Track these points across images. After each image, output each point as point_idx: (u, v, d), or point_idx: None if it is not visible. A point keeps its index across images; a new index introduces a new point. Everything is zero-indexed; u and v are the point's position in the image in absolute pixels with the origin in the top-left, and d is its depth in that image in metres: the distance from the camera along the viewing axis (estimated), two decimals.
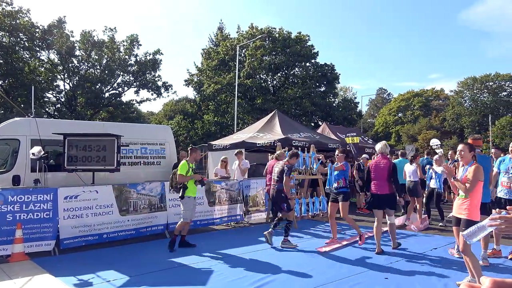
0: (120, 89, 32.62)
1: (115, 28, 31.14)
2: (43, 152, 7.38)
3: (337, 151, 7.40)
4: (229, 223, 9.08)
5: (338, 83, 35.10)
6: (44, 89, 28.94)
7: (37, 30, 27.46)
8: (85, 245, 6.59)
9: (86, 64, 30.71)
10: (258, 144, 12.13)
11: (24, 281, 4.80)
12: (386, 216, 6.61)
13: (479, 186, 4.54)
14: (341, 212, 6.90)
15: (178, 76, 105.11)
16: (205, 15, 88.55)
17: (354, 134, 14.02)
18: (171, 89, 33.97)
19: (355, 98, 48.50)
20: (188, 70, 42.86)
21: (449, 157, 8.64)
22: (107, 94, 32.11)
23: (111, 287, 4.69)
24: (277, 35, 31.89)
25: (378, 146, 6.68)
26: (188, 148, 7.00)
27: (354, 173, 11.24)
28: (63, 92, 30.93)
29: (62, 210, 6.37)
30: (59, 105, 31.99)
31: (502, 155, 7.24)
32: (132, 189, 7.33)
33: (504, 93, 48.01)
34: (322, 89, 33.27)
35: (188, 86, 35.42)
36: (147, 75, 32.29)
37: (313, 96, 30.60)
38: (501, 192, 6.03)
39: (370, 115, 64.47)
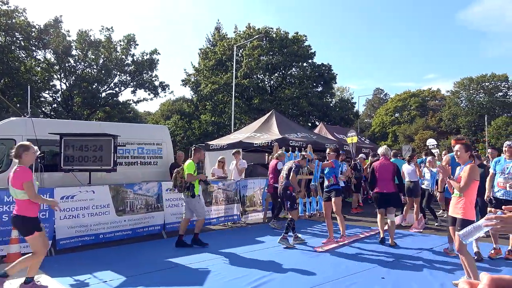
0: (117, 89, 32.53)
1: (111, 27, 31.05)
2: (39, 152, 7.34)
3: (328, 149, 7.48)
4: (226, 223, 9.07)
5: (335, 83, 35.17)
6: (40, 89, 28.79)
7: (33, 29, 27.31)
8: (81, 246, 6.57)
9: (82, 63, 30.57)
10: (255, 144, 12.14)
11: (19, 281, 4.77)
12: (387, 215, 6.91)
13: (474, 186, 4.58)
14: (334, 208, 6.98)
15: (177, 76, 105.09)
16: (205, 15, 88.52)
17: (354, 134, 14.07)
18: (168, 89, 33.89)
19: (352, 98, 48.48)
20: (185, 70, 42.75)
21: (443, 157, 8.68)
22: (103, 94, 32.00)
23: None
24: (274, 35, 31.89)
25: (381, 150, 7.30)
26: (192, 148, 7.06)
27: (351, 172, 11.27)
28: (60, 92, 30.77)
29: (59, 210, 6.34)
30: (55, 105, 31.84)
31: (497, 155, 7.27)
32: (129, 189, 7.31)
33: (500, 94, 48.26)
34: (319, 89, 33.29)
35: (185, 86, 35.34)
36: (144, 75, 32.18)
37: (310, 96, 30.63)
38: (498, 193, 6.05)
39: (367, 115, 64.62)
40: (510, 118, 42.24)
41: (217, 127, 31.76)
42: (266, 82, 33.83)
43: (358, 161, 12.32)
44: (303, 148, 11.28)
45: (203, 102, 32.88)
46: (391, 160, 7.36)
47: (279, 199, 8.18)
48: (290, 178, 7.04)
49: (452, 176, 4.76)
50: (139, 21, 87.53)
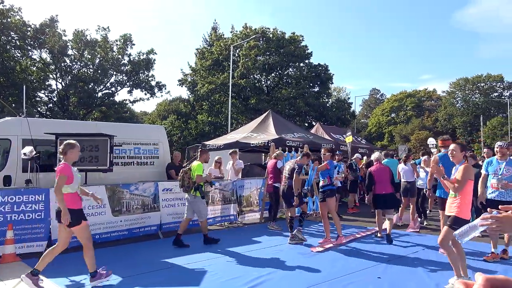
0: (113, 89, 32.40)
1: (108, 27, 30.97)
2: (34, 152, 7.31)
3: (323, 150, 7.50)
4: (222, 223, 9.07)
5: (332, 83, 35.26)
6: (36, 89, 28.63)
7: (29, 29, 27.16)
8: (77, 246, 6.52)
9: (78, 63, 30.44)
10: (252, 144, 12.13)
11: (15, 282, 4.74)
12: (385, 215, 7.15)
13: (469, 185, 4.59)
14: (328, 207, 7.00)
15: (174, 76, 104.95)
16: (203, 15, 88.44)
17: (350, 133, 14.12)
18: (165, 89, 33.82)
19: (349, 98, 48.72)
20: (182, 70, 42.68)
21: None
22: (100, 94, 31.86)
23: None
24: (271, 35, 31.92)
25: (376, 156, 7.65)
26: (198, 150, 7.24)
27: (347, 172, 11.29)
28: (55, 92, 30.61)
29: (54, 211, 6.30)
30: (51, 105, 31.67)
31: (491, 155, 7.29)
32: (125, 189, 7.29)
33: (495, 94, 48.60)
34: (316, 89, 33.36)
35: (182, 86, 35.32)
36: (140, 74, 32.09)
37: (306, 97, 30.68)
38: (491, 194, 6.05)
39: (363, 116, 64.82)
40: (505, 119, 42.52)
41: (214, 127, 31.73)
42: (263, 82, 33.85)
43: (353, 160, 12.34)
44: (299, 148, 11.29)
45: (199, 102, 32.84)
46: (384, 161, 7.55)
47: (278, 199, 8.21)
48: (293, 179, 6.96)
49: (446, 176, 4.78)
50: (137, 21, 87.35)
